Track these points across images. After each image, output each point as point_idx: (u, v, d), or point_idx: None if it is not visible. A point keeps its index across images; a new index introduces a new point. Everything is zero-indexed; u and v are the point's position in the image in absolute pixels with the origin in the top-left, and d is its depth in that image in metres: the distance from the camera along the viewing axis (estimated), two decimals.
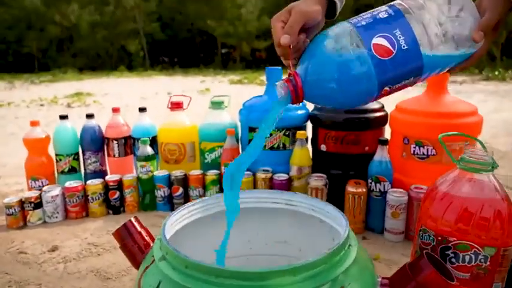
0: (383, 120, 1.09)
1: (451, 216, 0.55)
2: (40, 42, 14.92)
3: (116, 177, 1.15)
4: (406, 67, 0.49)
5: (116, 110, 1.28)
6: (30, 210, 1.06)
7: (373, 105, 1.09)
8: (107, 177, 1.15)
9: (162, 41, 16.99)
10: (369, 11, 0.51)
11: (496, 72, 6.39)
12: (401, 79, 0.50)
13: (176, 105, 1.27)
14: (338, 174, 1.08)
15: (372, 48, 0.47)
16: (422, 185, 0.94)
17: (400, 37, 0.48)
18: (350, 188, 0.98)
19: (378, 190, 0.97)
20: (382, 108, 1.10)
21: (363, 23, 0.49)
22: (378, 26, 0.48)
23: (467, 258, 0.55)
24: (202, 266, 0.46)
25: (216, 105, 1.25)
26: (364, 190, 0.97)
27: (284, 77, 0.54)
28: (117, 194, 1.14)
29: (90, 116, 1.25)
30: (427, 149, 0.96)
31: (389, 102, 0.97)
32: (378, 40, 0.47)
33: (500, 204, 0.54)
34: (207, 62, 15.18)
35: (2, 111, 3.87)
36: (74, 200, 1.10)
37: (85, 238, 0.99)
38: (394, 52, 0.47)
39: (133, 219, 0.69)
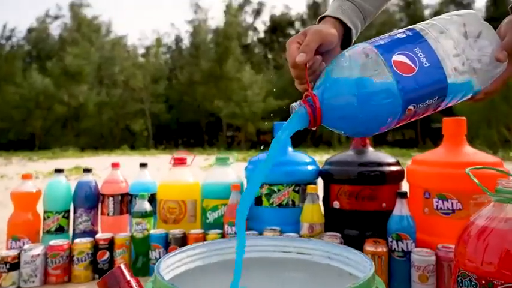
0: (399, 175, 1.06)
1: (494, 254, 0.49)
2: (45, 122, 15.62)
3: (107, 235, 1.08)
4: (430, 85, 0.49)
5: (115, 165, 1.27)
6: (5, 272, 0.98)
7: (388, 159, 1.07)
8: (97, 236, 1.08)
9: (168, 122, 17.74)
10: (387, 34, 0.53)
11: (511, 154, 6.45)
12: (426, 98, 0.49)
13: (179, 161, 1.26)
14: (353, 235, 1.01)
15: (393, 65, 0.48)
16: (450, 244, 0.87)
17: (420, 55, 0.49)
18: (369, 248, 0.91)
19: (400, 250, 0.90)
20: (397, 163, 1.08)
21: (381, 42, 0.50)
22: (397, 45, 0.50)
23: None
24: None
25: (221, 161, 1.24)
26: (385, 250, 0.90)
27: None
28: (107, 255, 1.06)
29: (87, 171, 1.24)
30: (452, 203, 0.92)
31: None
32: (398, 57, 0.48)
33: None
34: (212, 144, 15.65)
35: None
36: (57, 261, 1.02)
37: None
38: (416, 69, 0.48)
39: (122, 266, 0.63)
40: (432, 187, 0.95)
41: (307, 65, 0.52)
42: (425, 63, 0.48)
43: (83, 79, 16.05)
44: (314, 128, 0.53)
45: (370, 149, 1.11)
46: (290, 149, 1.19)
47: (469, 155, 0.95)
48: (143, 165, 1.32)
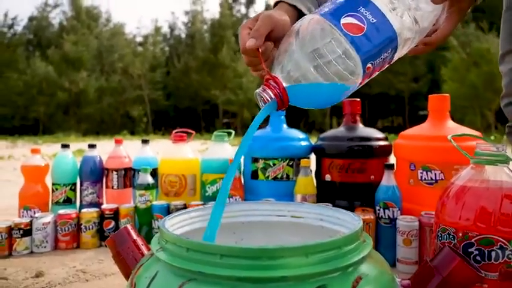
0: (387, 149, 1.08)
1: (471, 209, 0.52)
2: (48, 108, 15.45)
3: (112, 206, 1.10)
4: (381, 39, 0.47)
5: (118, 142, 1.28)
6: (18, 237, 1.00)
7: (376, 134, 1.09)
8: (103, 206, 1.10)
9: (166, 108, 17.62)
10: (328, 1, 0.51)
11: (492, 137, 6.53)
12: (381, 52, 0.48)
13: (179, 138, 1.27)
14: (344, 205, 1.04)
15: (343, 28, 0.46)
16: (432, 211, 0.90)
17: (365, 13, 0.47)
18: None
19: (386, 217, 0.93)
20: (385, 138, 1.10)
21: (326, 9, 0.48)
22: (341, 9, 0.48)
23: (493, 254, 0.50)
24: (206, 246, 0.42)
25: (219, 138, 1.25)
26: (373, 217, 0.93)
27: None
28: (113, 223, 1.08)
29: (92, 146, 1.25)
30: (435, 174, 0.94)
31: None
32: (346, 20, 0.47)
33: None
34: (209, 130, 15.63)
35: (1, 163, 3.87)
36: (66, 229, 1.04)
37: (73, 266, 0.92)
38: (365, 27, 0.47)
39: (129, 227, 0.65)
40: (417, 159, 0.97)
41: (260, 50, 0.49)
42: (372, 20, 0.47)
43: (82, 66, 15.83)
44: (283, 109, 0.49)
45: (360, 125, 1.13)
46: (285, 126, 1.20)
47: (452, 129, 0.97)
48: (145, 141, 1.33)
